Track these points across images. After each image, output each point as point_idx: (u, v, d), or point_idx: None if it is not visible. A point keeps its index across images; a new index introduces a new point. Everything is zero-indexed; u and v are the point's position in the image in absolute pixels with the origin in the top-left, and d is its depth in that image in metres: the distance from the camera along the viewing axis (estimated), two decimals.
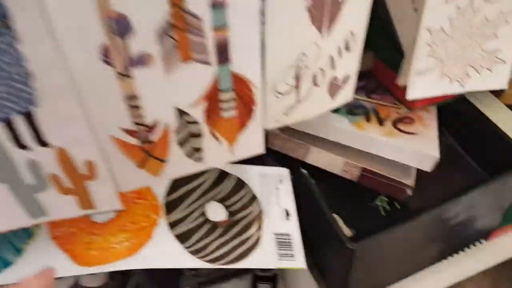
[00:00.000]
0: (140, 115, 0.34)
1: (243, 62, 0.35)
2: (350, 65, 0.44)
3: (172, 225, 0.48)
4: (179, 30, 0.31)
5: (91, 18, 0.28)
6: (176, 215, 0.49)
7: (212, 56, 0.33)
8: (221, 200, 0.52)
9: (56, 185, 0.36)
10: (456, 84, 0.47)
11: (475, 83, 0.47)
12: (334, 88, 0.45)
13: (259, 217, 0.52)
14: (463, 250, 0.72)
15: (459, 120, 0.68)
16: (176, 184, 0.51)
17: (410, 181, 0.56)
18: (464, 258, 0.72)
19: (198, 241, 0.48)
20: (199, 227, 0.49)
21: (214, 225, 0.50)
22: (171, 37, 0.31)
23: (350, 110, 0.61)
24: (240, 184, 0.54)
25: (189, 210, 0.50)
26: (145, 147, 0.37)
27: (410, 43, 0.44)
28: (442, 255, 0.70)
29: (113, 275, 0.59)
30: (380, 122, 0.60)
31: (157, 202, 0.49)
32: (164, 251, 0.45)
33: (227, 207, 0.52)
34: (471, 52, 0.44)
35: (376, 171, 0.57)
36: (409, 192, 0.57)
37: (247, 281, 0.70)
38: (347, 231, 0.61)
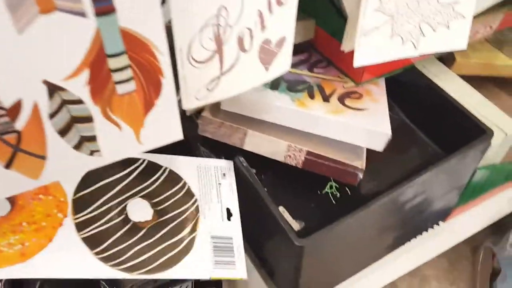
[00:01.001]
0: None
1: (136, 13, 0.25)
2: (285, 23, 0.35)
3: (80, 226, 0.39)
4: None
5: None
6: (87, 214, 0.39)
7: (87, 3, 0.23)
8: (148, 197, 0.43)
9: None
10: (409, 45, 0.40)
11: (431, 43, 0.40)
12: (267, 54, 0.36)
13: (194, 217, 0.43)
14: (420, 234, 0.67)
15: (409, 92, 0.62)
16: (91, 177, 0.41)
17: (360, 163, 0.49)
18: (421, 242, 0.67)
19: (112, 245, 0.39)
20: (115, 228, 0.40)
21: (135, 227, 0.41)
22: None
23: (291, 86, 0.53)
24: (174, 179, 0.45)
25: (104, 208, 0.40)
26: (9, 139, 0.27)
27: None
28: (399, 242, 0.64)
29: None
30: (325, 98, 0.53)
31: (65, 199, 0.39)
32: (66, 258, 0.36)
33: (154, 204, 0.43)
34: (426, 5, 0.37)
35: (323, 154, 0.49)
36: (360, 175, 0.49)
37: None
38: (295, 225, 0.53)
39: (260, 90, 0.51)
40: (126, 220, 0.41)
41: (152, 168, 0.45)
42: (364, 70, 0.54)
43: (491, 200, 0.75)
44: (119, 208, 0.41)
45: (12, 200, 0.38)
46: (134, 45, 0.26)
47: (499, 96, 0.74)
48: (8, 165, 0.28)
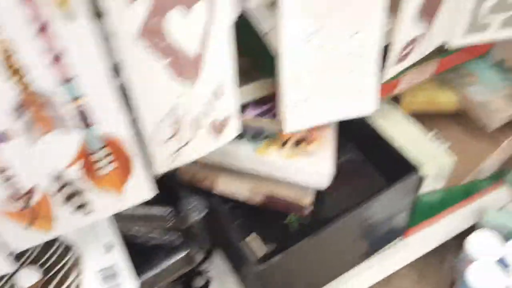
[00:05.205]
0: (14, 185, 0.36)
1: (108, 123, 0.37)
2: (228, 106, 0.47)
3: None
4: (34, 107, 0.33)
5: None
6: None
7: (74, 123, 0.36)
8: (34, 262, 0.50)
9: None
10: (329, 113, 0.51)
11: (347, 109, 0.51)
12: (216, 128, 0.48)
13: (76, 263, 0.52)
14: (378, 251, 0.77)
15: (359, 131, 0.73)
16: None
17: (307, 200, 0.61)
18: (386, 256, 0.78)
19: None
20: None
21: None
22: (27, 113, 0.33)
23: (255, 135, 0.65)
24: (49, 243, 0.52)
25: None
26: (27, 211, 0.39)
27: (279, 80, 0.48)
28: (360, 258, 0.75)
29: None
30: (283, 144, 0.64)
31: None
32: None
33: (41, 265, 0.50)
34: (339, 81, 0.49)
35: (276, 194, 0.61)
36: (307, 211, 0.61)
37: None
38: (262, 249, 0.64)
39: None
40: None
41: None
42: None
43: (450, 216, 0.85)
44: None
45: None
46: (110, 141, 0.39)
47: (451, 127, 0.84)
48: (28, 227, 0.40)
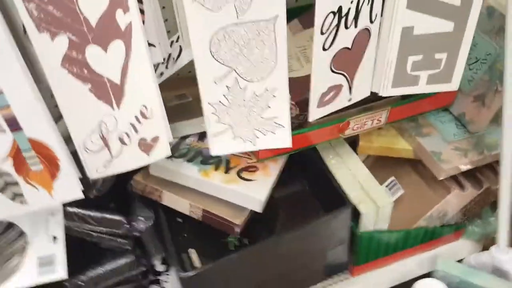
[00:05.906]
0: None
1: (35, 130, 0.47)
2: (155, 128, 0.55)
3: None
4: None
5: None
6: None
7: (5, 127, 0.45)
8: None
9: None
10: (248, 143, 0.58)
11: (264, 142, 0.58)
12: (145, 146, 0.56)
13: (24, 247, 0.61)
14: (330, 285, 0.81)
15: (312, 166, 0.79)
16: None
17: (239, 220, 0.67)
18: None
19: None
20: None
21: None
22: None
23: (205, 160, 0.73)
24: (9, 226, 0.63)
25: None
26: None
27: None
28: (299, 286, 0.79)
29: None
30: (227, 170, 0.71)
31: None
32: None
33: None
34: (253, 119, 0.56)
35: (213, 211, 0.68)
36: (238, 230, 0.67)
37: None
38: (198, 262, 0.71)
39: (178, 162, 0.72)
40: None
41: None
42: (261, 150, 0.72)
43: (406, 260, 0.87)
44: None
45: None
46: (37, 145, 0.48)
47: (410, 172, 0.88)
48: None
